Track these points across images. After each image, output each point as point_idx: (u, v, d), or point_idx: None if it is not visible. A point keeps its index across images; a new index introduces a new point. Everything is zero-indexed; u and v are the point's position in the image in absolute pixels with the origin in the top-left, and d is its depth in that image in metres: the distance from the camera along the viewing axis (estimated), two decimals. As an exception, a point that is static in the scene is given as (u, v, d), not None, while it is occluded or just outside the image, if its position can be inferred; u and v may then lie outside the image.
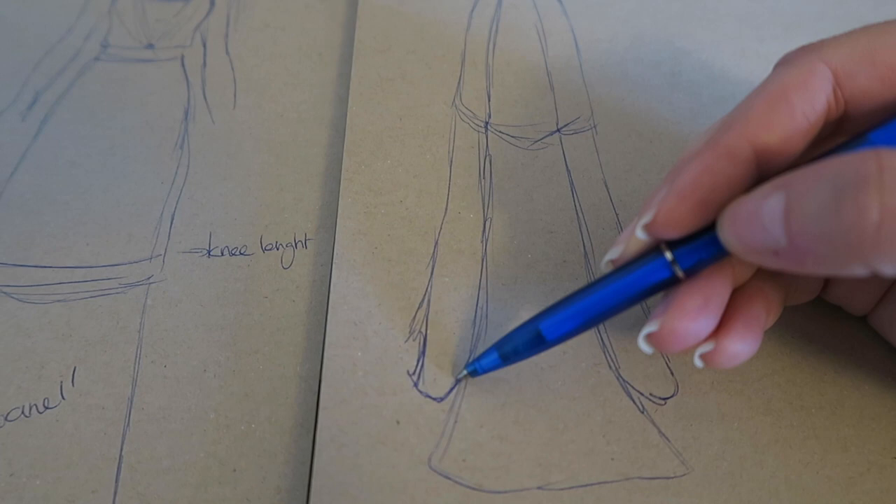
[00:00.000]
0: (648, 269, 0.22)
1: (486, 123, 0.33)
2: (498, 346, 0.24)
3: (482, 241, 0.29)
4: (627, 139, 0.33)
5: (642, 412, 0.25)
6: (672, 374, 0.26)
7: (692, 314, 0.21)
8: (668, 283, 0.22)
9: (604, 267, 0.24)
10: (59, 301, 0.28)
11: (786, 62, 0.23)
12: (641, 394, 0.26)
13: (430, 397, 0.25)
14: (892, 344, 0.26)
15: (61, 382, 0.26)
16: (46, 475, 0.24)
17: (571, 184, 0.31)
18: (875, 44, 0.21)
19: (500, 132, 0.33)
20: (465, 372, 0.25)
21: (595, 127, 0.34)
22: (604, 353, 0.26)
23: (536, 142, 0.33)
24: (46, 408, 0.25)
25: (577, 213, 0.30)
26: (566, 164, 0.32)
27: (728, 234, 0.20)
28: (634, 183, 0.32)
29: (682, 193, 0.21)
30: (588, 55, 0.37)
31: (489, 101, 0.34)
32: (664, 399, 0.26)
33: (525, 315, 0.27)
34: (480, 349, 0.26)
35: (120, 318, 0.27)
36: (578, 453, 0.24)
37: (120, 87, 0.36)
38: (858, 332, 0.27)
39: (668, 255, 0.22)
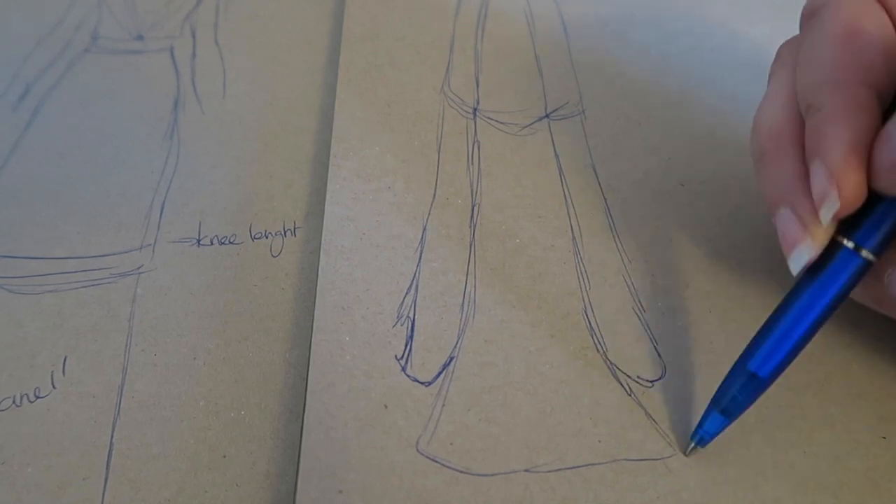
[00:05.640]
0: (837, 266, 0.21)
1: (475, 109, 0.33)
2: (714, 404, 0.23)
3: (470, 227, 0.29)
4: (616, 123, 0.33)
5: (630, 394, 0.25)
6: (660, 356, 0.26)
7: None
8: (863, 271, 0.21)
9: (796, 275, 0.22)
10: (50, 291, 0.28)
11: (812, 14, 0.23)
12: (629, 376, 0.26)
13: (417, 381, 0.25)
14: None
15: (52, 372, 0.26)
16: (38, 463, 0.24)
17: (560, 168, 0.31)
18: None
19: (489, 118, 0.33)
20: (693, 444, 0.24)
21: (584, 112, 0.34)
22: (591, 335, 0.27)
23: (525, 127, 0.33)
24: (38, 397, 0.25)
25: (565, 198, 0.30)
26: (554, 150, 0.32)
27: None
28: (623, 167, 0.31)
29: (854, 162, 0.20)
30: (577, 40, 0.37)
31: (478, 87, 0.34)
32: (651, 381, 0.26)
33: (513, 300, 0.27)
34: (468, 335, 0.26)
35: (110, 308, 0.28)
36: (566, 435, 0.24)
37: (110, 78, 0.36)
38: (846, 310, 0.27)
39: (849, 244, 0.21)
